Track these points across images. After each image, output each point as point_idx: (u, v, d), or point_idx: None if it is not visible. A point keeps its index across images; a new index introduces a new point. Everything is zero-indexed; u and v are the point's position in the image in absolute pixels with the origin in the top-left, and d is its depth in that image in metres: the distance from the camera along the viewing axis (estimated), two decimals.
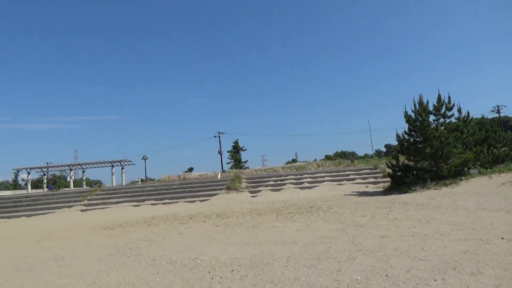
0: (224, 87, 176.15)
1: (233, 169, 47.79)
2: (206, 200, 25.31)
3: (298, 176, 30.36)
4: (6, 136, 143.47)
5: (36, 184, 59.70)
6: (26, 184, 49.07)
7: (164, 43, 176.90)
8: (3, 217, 25.44)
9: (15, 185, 78.43)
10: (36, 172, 46.27)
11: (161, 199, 26.89)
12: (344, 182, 27.36)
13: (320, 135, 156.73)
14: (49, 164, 48.85)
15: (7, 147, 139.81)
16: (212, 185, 29.92)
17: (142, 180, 43.47)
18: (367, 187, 24.74)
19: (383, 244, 7.29)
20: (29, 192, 41.60)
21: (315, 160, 48.93)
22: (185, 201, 25.53)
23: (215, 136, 57.77)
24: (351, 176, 28.78)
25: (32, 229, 17.90)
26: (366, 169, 31.12)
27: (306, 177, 29.77)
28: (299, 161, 62.48)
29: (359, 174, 29.15)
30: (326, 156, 76.90)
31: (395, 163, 21.48)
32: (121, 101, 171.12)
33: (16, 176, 78.97)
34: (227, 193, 26.91)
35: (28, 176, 44.48)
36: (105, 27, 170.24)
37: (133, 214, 20.99)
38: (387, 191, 20.48)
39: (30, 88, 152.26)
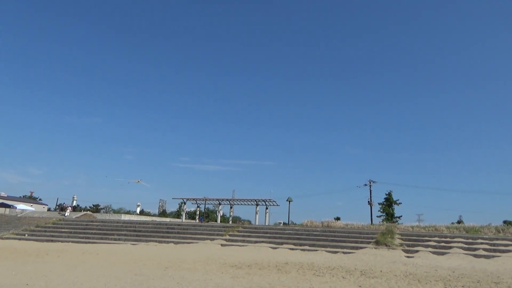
0: (380, 138, 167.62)
1: (384, 223, 42.26)
2: (350, 252, 21.91)
3: (470, 240, 24.09)
4: (184, 174, 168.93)
5: (192, 215, 65.10)
6: (181, 213, 53.64)
7: (319, 85, 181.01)
8: (156, 241, 27.08)
9: (178, 214, 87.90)
10: (192, 203, 50.19)
11: (300, 245, 24.59)
12: None
13: (497, 194, 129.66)
14: (205, 198, 52.46)
15: (183, 182, 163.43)
16: (358, 236, 26.25)
17: (284, 224, 42.32)
18: None
19: None
20: (183, 221, 44.93)
21: (490, 224, 39.22)
22: (326, 251, 22.63)
23: (365, 185, 52.97)
24: None
25: (170, 256, 17.89)
26: None
27: (481, 243, 23.32)
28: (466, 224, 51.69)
29: None
30: (505, 222, 62.15)
31: None
32: (275, 148, 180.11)
33: (181, 206, 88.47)
34: (375, 248, 22.92)
35: (184, 206, 48.58)
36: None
37: (267, 256, 19.31)
38: None
39: (206, 138, 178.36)
